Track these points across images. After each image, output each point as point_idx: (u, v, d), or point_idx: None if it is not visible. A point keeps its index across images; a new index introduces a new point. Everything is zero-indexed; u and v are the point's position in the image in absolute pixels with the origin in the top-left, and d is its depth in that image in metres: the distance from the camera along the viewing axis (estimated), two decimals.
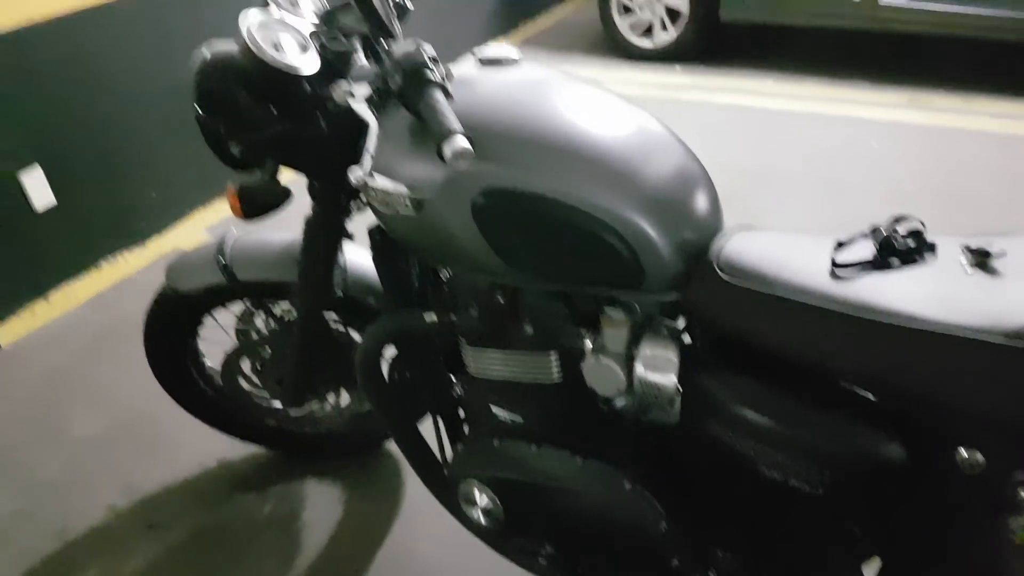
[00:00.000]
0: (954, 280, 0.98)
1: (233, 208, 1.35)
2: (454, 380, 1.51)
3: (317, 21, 1.34)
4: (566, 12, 5.98)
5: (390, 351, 1.58)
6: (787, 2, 4.32)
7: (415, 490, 1.97)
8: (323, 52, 1.28)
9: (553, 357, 1.28)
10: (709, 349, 1.19)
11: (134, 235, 3.17)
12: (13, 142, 2.66)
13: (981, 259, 0.99)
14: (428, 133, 1.03)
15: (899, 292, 0.97)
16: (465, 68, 1.24)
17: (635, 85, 4.43)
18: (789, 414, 1.10)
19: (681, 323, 1.23)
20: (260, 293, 1.75)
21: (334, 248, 1.52)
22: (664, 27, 4.67)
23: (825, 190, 3.24)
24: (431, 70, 1.06)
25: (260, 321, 1.81)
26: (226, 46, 1.33)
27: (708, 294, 1.10)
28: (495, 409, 1.40)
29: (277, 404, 1.96)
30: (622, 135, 1.14)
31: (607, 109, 1.18)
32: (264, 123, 1.31)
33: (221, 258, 1.66)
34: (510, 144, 1.11)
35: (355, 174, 1.09)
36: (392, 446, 2.12)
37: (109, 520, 1.98)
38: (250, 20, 1.21)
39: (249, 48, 1.18)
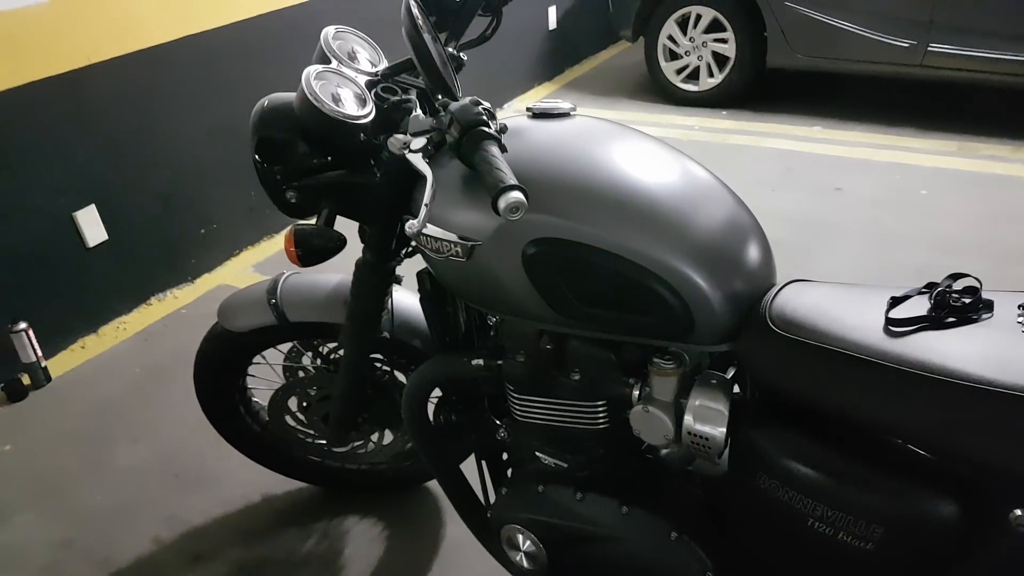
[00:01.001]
0: (1011, 339, 0.97)
1: (289, 255, 1.36)
2: (499, 424, 1.51)
3: (376, 73, 1.39)
4: (610, 56, 6.05)
5: (435, 393, 1.59)
6: (834, 49, 4.29)
7: (456, 530, 1.97)
8: (379, 104, 1.32)
9: (600, 405, 1.28)
10: (760, 401, 1.18)
11: (183, 272, 3.25)
12: (70, 182, 2.74)
13: None
14: (483, 185, 1.04)
15: (954, 350, 0.96)
16: (519, 120, 1.27)
17: (680, 129, 4.44)
18: (840, 469, 1.08)
19: (731, 373, 1.22)
20: (309, 334, 1.78)
21: (383, 292, 1.54)
22: (711, 73, 4.69)
23: (874, 237, 3.20)
24: (488, 125, 1.08)
25: (308, 360, 1.84)
26: (285, 96, 1.38)
27: (760, 346, 1.10)
28: (540, 454, 1.40)
29: (321, 441, 1.98)
30: (673, 186, 1.15)
31: (658, 159, 1.19)
32: (320, 171, 1.35)
33: (272, 299, 1.69)
34: (561, 195, 1.13)
35: (412, 227, 1.06)
36: (433, 485, 2.13)
37: (154, 551, 2.00)
38: (311, 72, 1.25)
39: (308, 98, 1.22)
